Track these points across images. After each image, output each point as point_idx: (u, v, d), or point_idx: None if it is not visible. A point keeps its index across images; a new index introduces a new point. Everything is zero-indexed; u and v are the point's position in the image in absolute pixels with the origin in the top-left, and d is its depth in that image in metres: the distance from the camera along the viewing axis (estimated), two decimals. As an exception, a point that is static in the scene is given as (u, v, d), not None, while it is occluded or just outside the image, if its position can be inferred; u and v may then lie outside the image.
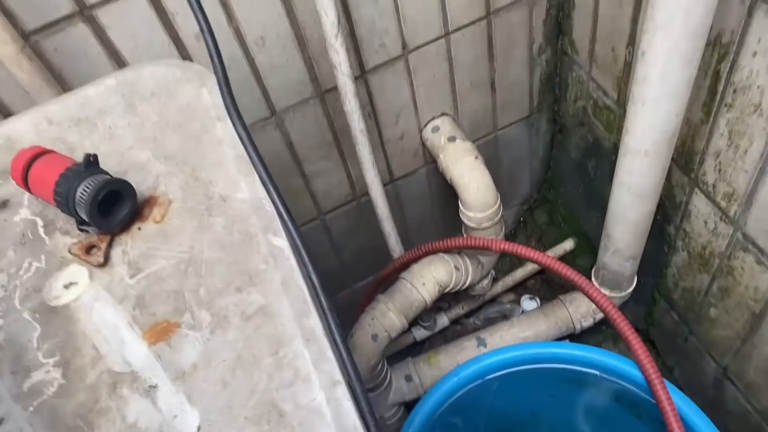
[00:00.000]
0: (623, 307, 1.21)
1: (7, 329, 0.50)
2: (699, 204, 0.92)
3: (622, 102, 1.00)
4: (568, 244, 1.36)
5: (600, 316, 1.17)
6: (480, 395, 0.98)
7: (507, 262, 1.43)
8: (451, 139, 1.07)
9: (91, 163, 0.53)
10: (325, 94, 0.96)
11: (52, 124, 0.63)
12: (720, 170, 0.84)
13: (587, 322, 1.17)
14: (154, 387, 0.45)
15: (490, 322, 1.35)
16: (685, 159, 0.90)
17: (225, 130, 0.59)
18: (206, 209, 0.54)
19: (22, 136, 0.63)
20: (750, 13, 0.67)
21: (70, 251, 0.53)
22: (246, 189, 0.55)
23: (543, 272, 1.41)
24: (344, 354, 0.43)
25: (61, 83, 0.75)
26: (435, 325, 1.33)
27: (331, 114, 0.99)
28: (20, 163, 0.55)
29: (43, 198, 0.55)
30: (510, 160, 1.29)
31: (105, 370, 0.47)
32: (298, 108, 0.95)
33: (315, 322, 0.46)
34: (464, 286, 1.12)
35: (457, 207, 1.10)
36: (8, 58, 0.65)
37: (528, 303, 1.39)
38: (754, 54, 0.69)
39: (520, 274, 1.37)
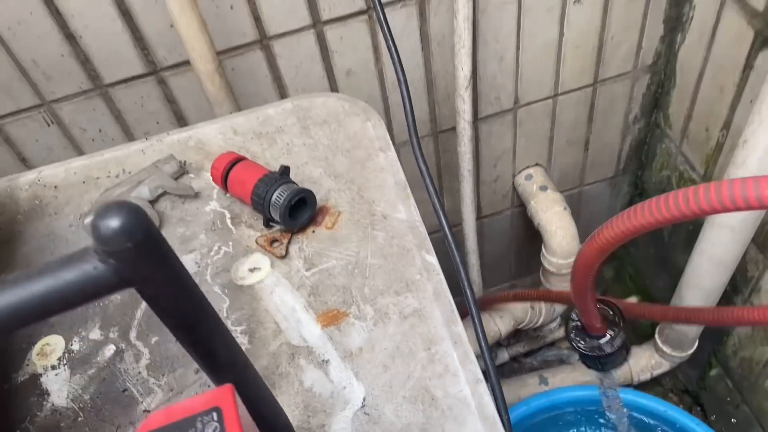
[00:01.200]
0: (677, 368, 1.27)
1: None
2: (771, 281, 0.99)
3: (708, 177, 1.09)
4: (633, 301, 1.43)
5: (658, 371, 1.24)
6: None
7: (569, 309, 1.51)
8: (543, 188, 1.16)
9: (285, 172, 0.65)
10: (439, 133, 1.07)
11: (237, 134, 0.75)
12: (797, 253, 0.91)
13: (645, 376, 1.24)
14: (326, 361, 0.56)
15: (546, 364, 1.43)
16: (762, 238, 0.98)
17: (386, 159, 0.70)
18: (370, 223, 0.65)
19: (210, 141, 0.75)
20: None
21: (257, 242, 0.64)
22: (403, 211, 0.65)
23: (602, 324, 1.49)
24: (487, 359, 0.53)
25: (234, 99, 0.87)
26: (496, 358, 1.42)
27: (440, 151, 1.10)
28: (222, 164, 0.67)
29: (237, 195, 0.67)
30: (589, 215, 1.38)
31: (284, 342, 0.58)
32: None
33: (461, 329, 0.56)
34: (536, 326, 1.21)
35: (533, 250, 1.20)
36: (205, 74, 0.78)
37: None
38: None
39: (580, 322, 1.45)
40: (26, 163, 0.88)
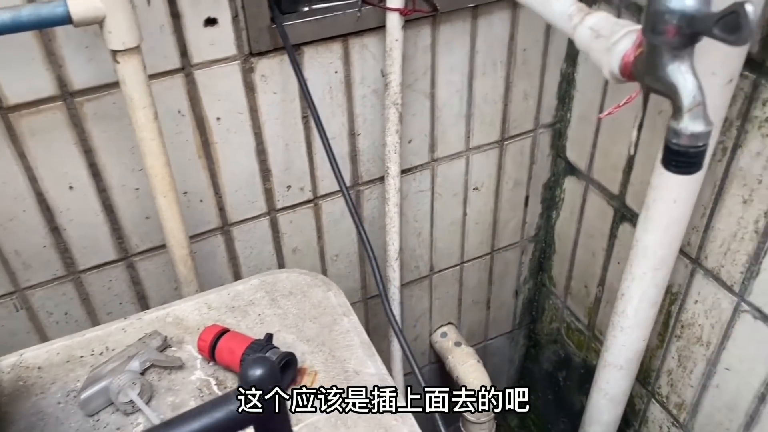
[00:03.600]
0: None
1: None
2: (655, 411, 1.18)
3: (592, 327, 1.30)
4: (538, 446, 1.57)
5: None
6: None
7: (483, 460, 1.61)
8: (457, 344, 1.32)
9: (269, 339, 0.75)
10: (368, 300, 1.22)
11: (211, 309, 0.85)
12: (672, 385, 1.11)
13: None
14: (326, 504, 0.64)
15: None
16: (644, 375, 1.17)
17: (350, 323, 0.83)
18: (344, 379, 0.76)
19: (187, 316, 0.84)
20: (692, 274, 0.99)
21: (247, 403, 0.73)
22: (372, 365, 0.77)
23: (515, 471, 1.60)
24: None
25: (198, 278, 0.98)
26: None
27: (369, 316, 1.24)
28: (210, 336, 0.76)
29: (225, 364, 0.76)
30: (492, 367, 1.54)
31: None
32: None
33: (437, 463, 0.67)
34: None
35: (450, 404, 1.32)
36: (179, 258, 0.89)
37: (502, 500, 1.55)
38: (696, 302, 1.00)
39: (496, 471, 1.55)
40: (-13, 349, 0.91)
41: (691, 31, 0.40)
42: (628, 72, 0.44)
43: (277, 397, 0.39)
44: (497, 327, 1.47)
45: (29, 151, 0.79)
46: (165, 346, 0.80)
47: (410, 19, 0.90)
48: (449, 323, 1.37)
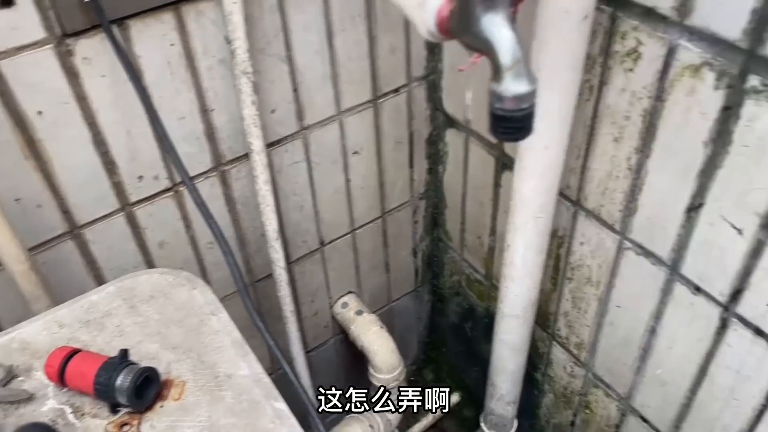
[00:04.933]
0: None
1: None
2: (557, 353, 1.18)
3: (490, 276, 1.28)
4: (455, 398, 1.57)
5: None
6: None
7: (404, 420, 1.60)
8: (359, 312, 1.28)
9: (124, 356, 0.68)
10: (256, 283, 1.15)
11: (62, 326, 0.76)
12: (569, 326, 1.11)
13: (482, 464, 1.36)
14: None
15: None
16: (543, 319, 1.17)
17: (219, 322, 0.76)
18: (216, 386, 0.69)
19: (35, 339, 0.75)
20: (574, 216, 0.98)
21: (106, 430, 0.65)
22: (245, 367, 0.71)
23: (436, 425, 1.60)
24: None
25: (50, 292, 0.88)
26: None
27: (260, 299, 1.17)
28: (57, 361, 0.68)
29: (78, 389, 0.68)
30: (401, 327, 1.52)
31: None
32: (235, 297, 1.12)
33: (320, 462, 0.63)
34: (378, 443, 1.28)
35: (361, 372, 1.29)
36: (20, 274, 0.79)
37: (426, 455, 1.55)
38: (581, 243, 0.99)
39: (417, 429, 1.55)
40: None
41: (503, -24, 0.34)
42: (446, 29, 0.39)
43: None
44: (400, 288, 1.44)
45: None
46: (10, 377, 0.70)
47: (247, -23, 0.81)
48: (349, 292, 1.33)
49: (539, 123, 0.78)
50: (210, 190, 0.98)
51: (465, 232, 1.29)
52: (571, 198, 0.97)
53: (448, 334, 1.55)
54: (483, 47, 0.35)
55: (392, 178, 1.21)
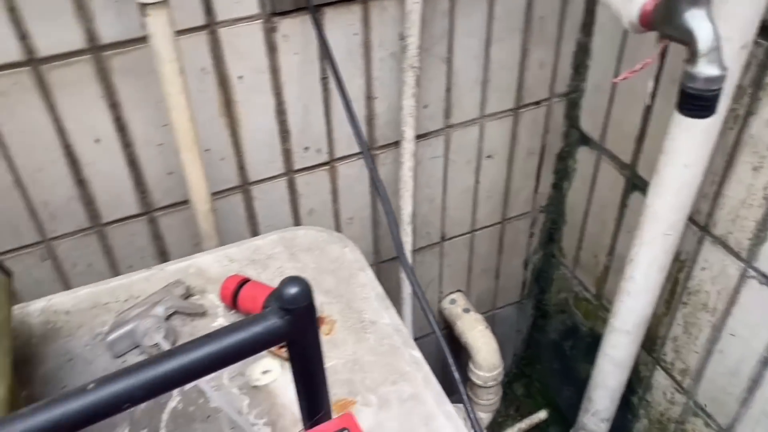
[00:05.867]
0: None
1: (220, 399, 0.71)
2: (659, 378, 1.20)
3: (600, 296, 1.32)
4: (542, 414, 1.60)
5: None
6: None
7: (488, 429, 1.64)
8: (466, 310, 1.35)
9: (289, 289, 0.78)
10: (380, 264, 1.24)
11: (232, 261, 0.88)
12: (677, 351, 1.14)
13: (565, 479, 1.38)
14: (343, 441, 0.66)
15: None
16: (649, 343, 1.20)
17: (366, 277, 0.85)
18: (361, 328, 0.78)
19: (209, 268, 0.87)
20: (700, 241, 1.01)
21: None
22: (387, 317, 0.80)
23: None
24: (465, 400, 0.66)
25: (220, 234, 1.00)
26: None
27: (381, 280, 1.26)
28: (232, 284, 0.79)
29: (246, 310, 0.78)
30: (500, 336, 1.56)
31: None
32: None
33: (450, 407, 0.70)
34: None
35: (460, 369, 1.35)
36: (202, 213, 0.91)
37: (506, 466, 1.58)
38: (703, 268, 1.02)
39: (501, 437, 1.59)
40: (15, 297, 0.94)
41: (709, -21, 0.41)
42: (647, 21, 0.46)
43: (309, 313, 0.41)
44: (505, 296, 1.50)
45: (58, 103, 0.81)
46: (188, 294, 0.82)
47: (430, -18, 0.91)
48: (458, 290, 1.40)
49: (683, 141, 0.83)
50: (359, 170, 1.08)
51: (581, 249, 1.34)
52: (699, 223, 1.00)
53: (546, 351, 1.59)
54: (682, 36, 0.42)
55: (518, 187, 1.28)
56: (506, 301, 1.51)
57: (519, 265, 1.45)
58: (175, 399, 0.71)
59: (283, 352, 0.75)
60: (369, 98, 1.01)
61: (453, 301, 1.38)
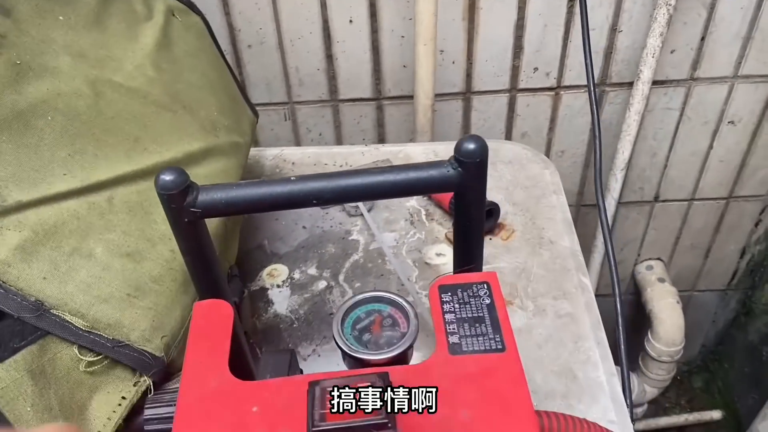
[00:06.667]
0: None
1: (394, 267, 0.79)
2: None
3: (821, 305, 1.17)
4: (716, 414, 1.49)
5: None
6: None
7: (652, 409, 1.57)
8: (661, 280, 1.28)
9: (481, 188, 0.82)
10: (581, 206, 1.23)
11: (437, 156, 0.94)
12: None
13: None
14: (492, 331, 0.71)
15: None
16: None
17: (558, 200, 0.86)
18: (538, 244, 0.81)
19: (416, 157, 0.94)
20: None
21: (445, 235, 0.82)
22: (568, 240, 0.81)
23: (683, 429, 1.54)
24: (623, 360, 0.66)
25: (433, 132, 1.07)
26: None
27: (578, 223, 1.25)
28: (431, 172, 0.85)
29: (437, 199, 0.85)
30: (691, 321, 1.47)
31: (460, 310, 0.74)
32: (559, 209, 1.22)
33: (603, 335, 0.70)
34: (626, 402, 1.30)
35: (635, 340, 1.31)
36: (422, 107, 0.98)
37: (660, 451, 1.52)
38: None
39: (663, 421, 1.51)
40: (257, 145, 1.11)
41: None
42: None
43: (480, 170, 0.45)
44: (710, 280, 1.39)
45: (324, -21, 0.92)
46: (392, 174, 0.91)
47: None
48: (659, 258, 1.33)
49: None
50: (583, 103, 1.07)
51: (812, 250, 1.19)
52: None
53: (740, 352, 1.46)
54: None
55: (757, 164, 1.17)
56: (709, 286, 1.40)
57: (735, 252, 1.33)
58: (359, 253, 0.81)
59: (461, 242, 0.81)
60: (613, 30, 0.98)
61: (650, 267, 1.32)
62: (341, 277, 0.78)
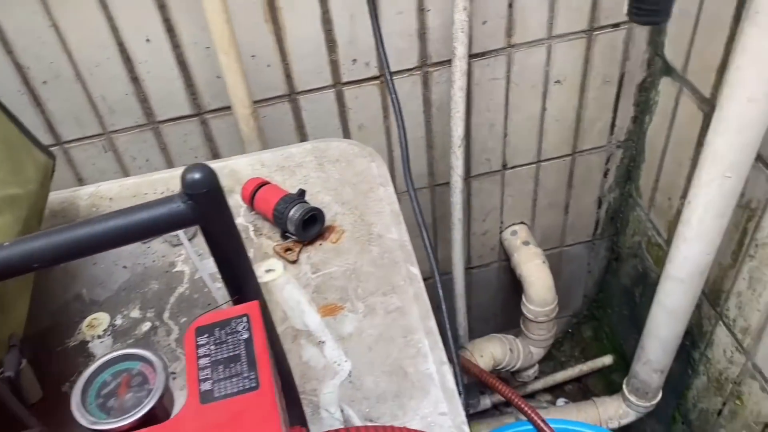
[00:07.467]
0: (645, 423, 1.37)
1: (214, 295, 0.76)
2: (720, 335, 1.12)
3: (671, 241, 1.23)
4: (607, 360, 1.55)
5: (625, 420, 1.34)
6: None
7: (550, 365, 1.62)
8: (525, 243, 1.31)
9: (301, 195, 0.80)
10: (435, 186, 1.23)
11: (264, 166, 0.91)
12: (740, 307, 1.04)
13: (613, 424, 1.34)
14: (322, 342, 0.69)
15: (525, 413, 1.52)
16: (714, 296, 1.11)
17: (385, 192, 0.85)
18: (367, 241, 0.79)
19: (241, 170, 0.91)
20: (772, 189, 0.91)
21: (273, 249, 0.79)
22: (396, 232, 0.80)
23: (581, 380, 1.59)
24: (452, 346, 0.66)
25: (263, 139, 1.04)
26: (478, 404, 1.52)
27: (435, 203, 1.25)
28: (251, 186, 0.82)
29: (261, 212, 0.82)
30: (568, 275, 1.52)
31: (290, 326, 0.71)
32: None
33: (433, 323, 0.70)
34: (514, 368, 1.32)
35: (516, 303, 1.33)
36: (242, 117, 0.94)
37: (562, 405, 1.56)
38: (773, 219, 0.92)
39: (560, 376, 1.56)
40: (82, 182, 1.04)
41: None
42: None
43: (213, 200, 0.43)
44: (575, 234, 1.43)
45: (110, 2, 0.86)
46: (216, 193, 0.87)
47: None
48: (521, 222, 1.35)
49: (746, 68, 0.73)
50: (411, 87, 1.06)
51: (657, 191, 1.24)
52: (773, 167, 0.89)
53: (617, 296, 1.52)
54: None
55: (592, 117, 1.20)
56: (576, 240, 1.45)
57: (592, 203, 1.38)
58: (184, 285, 0.77)
59: (288, 254, 0.78)
60: (421, 10, 0.98)
61: (514, 233, 1.34)
62: (166, 315, 0.74)
